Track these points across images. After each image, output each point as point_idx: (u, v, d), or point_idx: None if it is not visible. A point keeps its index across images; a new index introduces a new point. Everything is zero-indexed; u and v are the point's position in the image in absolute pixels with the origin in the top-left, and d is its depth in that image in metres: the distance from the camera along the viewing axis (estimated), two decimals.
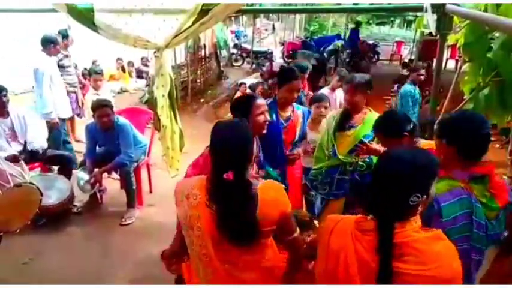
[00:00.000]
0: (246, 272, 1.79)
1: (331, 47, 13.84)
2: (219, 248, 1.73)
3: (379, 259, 1.32)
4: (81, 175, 4.04)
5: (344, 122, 3.01)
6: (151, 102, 4.38)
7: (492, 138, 7.58)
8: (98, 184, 4.10)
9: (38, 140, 4.11)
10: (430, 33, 3.55)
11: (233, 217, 1.65)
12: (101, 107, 3.96)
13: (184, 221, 1.75)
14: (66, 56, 5.77)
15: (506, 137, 6.63)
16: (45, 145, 4.18)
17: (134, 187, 4.19)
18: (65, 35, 5.64)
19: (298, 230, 1.84)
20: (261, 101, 2.37)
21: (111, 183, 4.61)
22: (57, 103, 4.83)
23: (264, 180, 1.78)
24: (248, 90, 9.11)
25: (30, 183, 2.86)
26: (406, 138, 2.34)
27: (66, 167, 4.31)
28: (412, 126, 2.40)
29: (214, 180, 1.69)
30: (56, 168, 4.43)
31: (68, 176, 4.24)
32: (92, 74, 5.28)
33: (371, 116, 2.93)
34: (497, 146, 6.93)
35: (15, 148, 3.94)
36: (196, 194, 1.71)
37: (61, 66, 5.71)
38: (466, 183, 1.71)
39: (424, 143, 2.37)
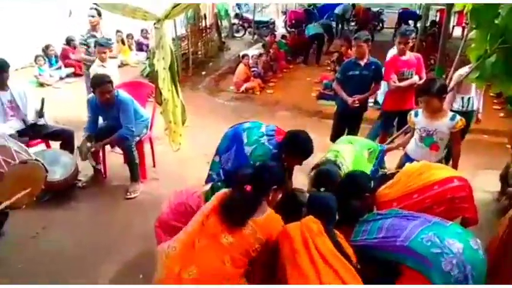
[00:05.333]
0: None
1: (338, 11, 13.64)
2: None
3: None
4: (84, 142, 4.01)
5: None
6: (152, 76, 4.33)
7: (497, 107, 7.59)
8: (96, 156, 4.13)
9: (31, 114, 4.11)
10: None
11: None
12: (102, 84, 3.90)
13: None
14: (94, 36, 5.69)
15: (511, 106, 6.55)
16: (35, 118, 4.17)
17: (137, 161, 4.20)
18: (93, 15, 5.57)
19: None
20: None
21: (115, 157, 4.62)
22: None
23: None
24: (251, 62, 9.00)
25: (36, 159, 2.87)
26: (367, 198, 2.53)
27: (67, 141, 4.31)
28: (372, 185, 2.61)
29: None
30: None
31: (71, 151, 4.25)
32: (97, 46, 5.20)
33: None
34: (502, 115, 6.86)
35: (13, 125, 3.95)
36: None
37: (86, 45, 5.67)
38: None
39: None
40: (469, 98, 4.43)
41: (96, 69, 5.09)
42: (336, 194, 2.40)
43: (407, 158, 3.36)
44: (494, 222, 2.47)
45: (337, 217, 2.25)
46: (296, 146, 2.79)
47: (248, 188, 2.23)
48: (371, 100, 6.55)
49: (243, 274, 2.06)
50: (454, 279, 1.82)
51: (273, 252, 2.11)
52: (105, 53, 5.21)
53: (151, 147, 4.72)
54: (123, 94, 4.11)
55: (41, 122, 4.21)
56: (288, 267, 1.95)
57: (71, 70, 8.70)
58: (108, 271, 3.06)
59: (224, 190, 2.31)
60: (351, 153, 3.11)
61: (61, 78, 8.52)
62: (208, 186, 2.70)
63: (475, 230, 2.30)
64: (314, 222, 2.10)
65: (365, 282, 1.90)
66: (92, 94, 4.09)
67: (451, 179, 2.42)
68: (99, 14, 5.60)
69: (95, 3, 5.18)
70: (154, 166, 4.72)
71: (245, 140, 2.91)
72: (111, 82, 3.97)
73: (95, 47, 5.26)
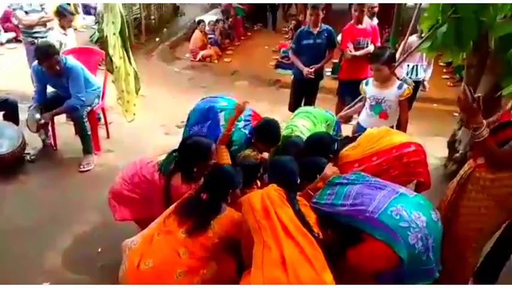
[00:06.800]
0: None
1: None
2: None
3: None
4: (32, 113, 3.78)
5: None
6: (102, 42, 4.09)
7: (446, 76, 7.89)
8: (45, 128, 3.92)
9: None
10: None
11: None
12: (49, 58, 3.59)
13: None
14: None
15: (459, 75, 6.85)
16: None
17: (89, 133, 4.00)
18: None
19: None
20: (214, 147, 2.59)
21: (66, 128, 4.39)
22: None
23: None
24: (207, 29, 8.74)
25: None
26: (331, 159, 2.59)
27: (12, 112, 4.03)
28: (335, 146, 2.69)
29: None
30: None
31: (16, 122, 3.99)
32: (67, 15, 4.83)
33: None
34: (450, 84, 7.18)
35: None
36: None
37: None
38: None
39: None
40: (414, 66, 4.61)
41: (58, 37, 4.75)
42: (301, 154, 2.44)
43: (359, 127, 3.45)
44: (443, 186, 2.61)
45: (298, 181, 2.26)
46: (266, 134, 2.94)
47: (205, 196, 2.20)
48: (328, 69, 6.62)
49: (204, 266, 2.09)
50: (417, 251, 1.93)
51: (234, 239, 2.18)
52: (71, 21, 4.88)
53: (104, 118, 4.53)
54: (72, 61, 3.84)
55: None
56: (254, 238, 1.97)
57: (12, 35, 8.06)
58: (64, 245, 2.97)
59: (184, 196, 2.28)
60: (308, 128, 3.15)
61: (1, 44, 7.89)
62: (164, 156, 2.64)
63: (426, 194, 2.44)
64: (276, 190, 2.11)
65: (326, 250, 1.94)
66: (35, 62, 3.79)
67: (408, 144, 2.53)
68: None
69: None
70: (108, 137, 4.55)
71: (222, 122, 2.98)
72: (58, 53, 3.70)
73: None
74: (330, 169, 2.42)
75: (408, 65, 4.60)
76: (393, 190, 2.12)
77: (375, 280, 2.07)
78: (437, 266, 2.05)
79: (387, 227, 1.94)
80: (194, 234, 2.05)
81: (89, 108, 4.05)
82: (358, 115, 3.65)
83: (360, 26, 4.54)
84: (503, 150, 1.98)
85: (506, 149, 1.98)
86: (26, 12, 5.13)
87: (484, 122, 1.95)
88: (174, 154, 2.57)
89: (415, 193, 2.18)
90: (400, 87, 3.23)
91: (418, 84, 4.76)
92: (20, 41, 7.59)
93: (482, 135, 1.94)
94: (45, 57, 3.62)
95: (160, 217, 2.18)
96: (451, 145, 3.99)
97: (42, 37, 5.24)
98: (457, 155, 3.81)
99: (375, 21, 4.85)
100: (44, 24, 5.32)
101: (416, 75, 4.71)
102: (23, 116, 4.06)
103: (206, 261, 2.10)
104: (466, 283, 2.39)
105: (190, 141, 2.57)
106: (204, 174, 2.42)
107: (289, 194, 2.12)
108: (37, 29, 5.21)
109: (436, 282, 2.13)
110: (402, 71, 4.60)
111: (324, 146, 2.63)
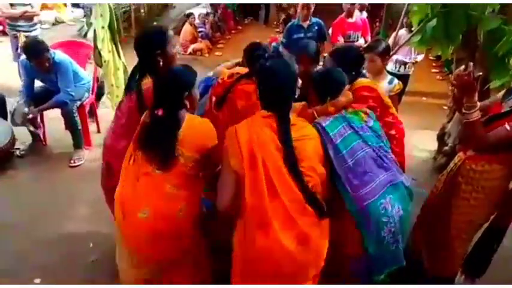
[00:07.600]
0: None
1: None
2: None
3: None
4: (21, 106, 3.73)
5: None
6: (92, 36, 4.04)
7: (435, 70, 7.94)
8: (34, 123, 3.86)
9: None
10: None
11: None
12: (40, 55, 3.56)
13: None
14: None
15: (448, 69, 6.92)
16: None
17: (80, 127, 3.97)
18: None
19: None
20: (170, 32, 2.39)
21: (56, 123, 4.34)
22: None
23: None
24: (197, 21, 8.68)
25: None
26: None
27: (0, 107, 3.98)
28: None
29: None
30: None
31: (3, 117, 3.94)
32: None
33: None
34: (438, 77, 7.24)
35: None
36: None
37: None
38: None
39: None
40: (403, 60, 4.66)
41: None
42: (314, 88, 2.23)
43: None
44: (432, 179, 2.64)
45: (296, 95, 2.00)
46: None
47: (160, 112, 1.93)
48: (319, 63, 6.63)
49: (196, 192, 1.98)
50: (385, 242, 1.94)
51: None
52: None
53: (95, 112, 4.49)
54: (60, 55, 3.80)
55: None
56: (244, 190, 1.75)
57: None
58: (55, 241, 2.94)
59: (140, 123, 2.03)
60: None
61: None
62: None
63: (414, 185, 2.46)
64: (265, 117, 1.79)
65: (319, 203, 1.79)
66: (23, 57, 3.74)
67: (401, 122, 2.52)
68: None
69: None
70: (98, 132, 4.51)
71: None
72: (48, 49, 3.65)
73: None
74: (345, 95, 2.16)
75: (397, 59, 4.65)
76: (394, 175, 2.03)
77: (351, 263, 2.07)
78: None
79: (370, 220, 1.93)
80: (167, 167, 1.87)
81: (79, 102, 4.02)
82: None
83: (350, 20, 4.56)
84: (492, 133, 1.98)
85: (494, 132, 1.98)
86: (12, 5, 5.06)
87: (478, 103, 1.95)
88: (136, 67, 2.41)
89: (409, 183, 2.11)
90: (390, 82, 3.22)
91: (407, 78, 4.80)
92: (6, 34, 7.52)
93: (474, 116, 1.94)
94: (35, 55, 3.58)
95: (124, 161, 2.00)
96: (441, 138, 4.03)
97: (25, 31, 5.19)
98: (446, 148, 3.85)
99: (364, 14, 4.87)
100: (31, 19, 5.26)
101: (405, 69, 4.74)
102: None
103: (195, 187, 1.97)
104: (455, 273, 2.44)
105: (142, 34, 2.39)
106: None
107: (282, 123, 1.76)
108: (21, 22, 5.18)
109: (424, 273, 2.16)
110: (391, 64, 4.64)
111: (352, 58, 2.51)
